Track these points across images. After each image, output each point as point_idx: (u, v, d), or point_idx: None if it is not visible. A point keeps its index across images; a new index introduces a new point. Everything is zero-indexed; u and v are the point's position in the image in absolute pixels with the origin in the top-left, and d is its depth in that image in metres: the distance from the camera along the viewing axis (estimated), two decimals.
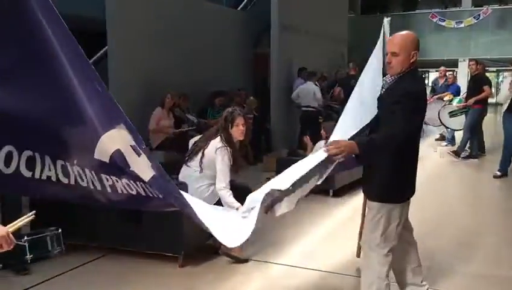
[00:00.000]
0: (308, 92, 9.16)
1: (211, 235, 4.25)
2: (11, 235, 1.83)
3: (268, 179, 7.10)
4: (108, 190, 2.28)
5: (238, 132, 4.04)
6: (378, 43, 3.33)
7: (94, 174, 2.24)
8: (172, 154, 6.33)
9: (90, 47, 8.20)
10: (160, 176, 2.26)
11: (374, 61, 3.28)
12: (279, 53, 9.50)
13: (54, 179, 2.21)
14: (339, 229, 5.14)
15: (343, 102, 9.52)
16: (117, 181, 2.26)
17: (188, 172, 4.12)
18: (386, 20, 3.36)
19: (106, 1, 6.98)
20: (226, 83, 9.14)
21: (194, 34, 8.62)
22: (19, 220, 1.95)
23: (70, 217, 4.20)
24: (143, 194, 2.29)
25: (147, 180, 2.23)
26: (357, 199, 6.36)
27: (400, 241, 2.97)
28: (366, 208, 3.08)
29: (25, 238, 3.76)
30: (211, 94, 8.30)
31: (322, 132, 6.62)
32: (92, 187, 2.27)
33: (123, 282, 3.77)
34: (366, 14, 19.47)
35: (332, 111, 9.66)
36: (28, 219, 1.96)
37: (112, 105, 2.15)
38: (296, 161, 6.24)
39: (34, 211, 1.97)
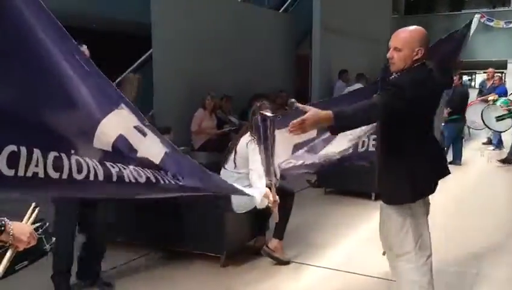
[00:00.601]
0: None
1: (253, 236, 4.33)
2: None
3: (309, 181, 7.16)
4: (114, 179, 2.04)
5: None
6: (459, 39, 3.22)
7: (97, 163, 2.01)
8: (214, 155, 6.42)
9: (136, 50, 8.46)
10: (173, 150, 2.14)
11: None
12: (320, 55, 9.46)
13: (41, 175, 1.89)
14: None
15: None
16: (124, 168, 2.06)
17: (227, 174, 4.12)
18: (476, 17, 3.22)
19: (151, 6, 7.15)
20: (267, 84, 9.17)
21: (236, 36, 8.70)
22: (28, 214, 1.93)
23: (115, 215, 4.34)
24: (153, 180, 2.11)
25: (158, 162, 2.09)
26: None
27: None
28: (385, 217, 2.89)
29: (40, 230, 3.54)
30: (252, 96, 8.35)
31: None
32: (91, 179, 2.00)
33: (166, 280, 3.86)
34: (410, 14, 19.08)
35: None
36: (36, 212, 1.95)
37: (107, 85, 1.93)
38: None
39: (34, 203, 1.97)
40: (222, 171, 4.20)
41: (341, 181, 6.52)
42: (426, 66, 2.66)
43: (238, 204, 3.97)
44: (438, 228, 4.84)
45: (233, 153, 4.09)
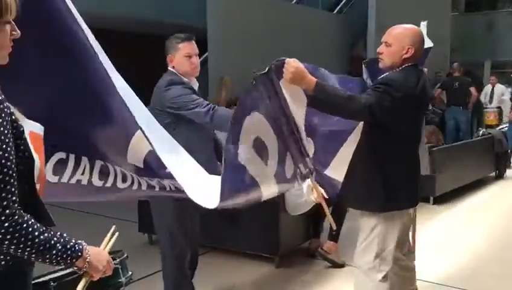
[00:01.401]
0: None
1: (307, 238, 4.31)
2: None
3: None
4: (156, 188, 2.07)
5: None
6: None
7: (136, 177, 2.03)
8: None
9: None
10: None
11: None
12: (375, 55, 9.25)
13: (84, 182, 1.93)
14: (439, 238, 4.91)
15: (447, 104, 9.10)
16: (161, 180, 2.06)
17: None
18: (423, 24, 3.11)
19: (207, 10, 7.29)
20: None
21: (291, 38, 8.70)
22: (107, 239, 1.69)
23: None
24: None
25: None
26: (461, 207, 6.04)
27: (394, 265, 2.65)
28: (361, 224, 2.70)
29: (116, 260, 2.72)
30: None
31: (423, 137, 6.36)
32: (135, 187, 2.03)
33: (222, 279, 3.91)
34: (471, 12, 18.35)
35: (433, 114, 9.23)
36: (115, 237, 1.72)
37: (128, 109, 1.87)
38: None
39: (114, 226, 1.76)
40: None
41: None
42: (419, 69, 2.55)
43: (293, 206, 3.97)
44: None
45: None
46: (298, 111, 2.43)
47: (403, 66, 2.49)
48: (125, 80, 1.97)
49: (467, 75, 10.83)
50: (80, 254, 1.37)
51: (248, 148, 2.17)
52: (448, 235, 4.97)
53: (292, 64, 2.30)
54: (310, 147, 2.57)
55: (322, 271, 4.04)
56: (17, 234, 1.23)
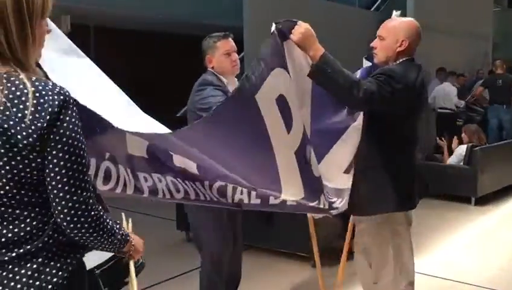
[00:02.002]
0: (444, 93, 8.66)
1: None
2: None
3: None
4: (145, 194, 2.10)
5: None
6: None
7: (129, 173, 2.05)
8: None
9: None
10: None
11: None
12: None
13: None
14: (481, 240, 4.77)
15: (490, 103, 8.83)
16: (160, 181, 2.05)
17: None
18: (395, 13, 2.88)
19: (244, 10, 7.33)
20: None
21: (326, 36, 8.61)
22: (125, 225, 1.78)
23: None
24: (191, 197, 2.09)
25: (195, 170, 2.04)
26: (504, 208, 5.86)
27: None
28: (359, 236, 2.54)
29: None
30: None
31: (463, 135, 6.20)
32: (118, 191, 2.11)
33: (257, 278, 3.91)
34: None
35: (474, 113, 8.99)
36: (130, 223, 1.82)
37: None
38: (432, 167, 5.95)
39: (123, 214, 1.85)
40: None
41: (437, 184, 6.22)
42: (417, 64, 2.44)
43: None
44: None
45: None
46: (301, 84, 2.30)
47: (400, 60, 2.38)
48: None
49: (510, 72, 10.53)
50: (128, 238, 1.44)
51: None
52: (490, 237, 4.83)
53: (304, 25, 2.22)
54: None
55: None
56: (98, 222, 1.28)
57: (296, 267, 4.05)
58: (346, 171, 2.55)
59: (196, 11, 8.45)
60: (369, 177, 2.37)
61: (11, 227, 1.21)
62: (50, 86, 1.20)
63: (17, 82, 1.18)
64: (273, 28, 2.22)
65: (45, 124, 1.16)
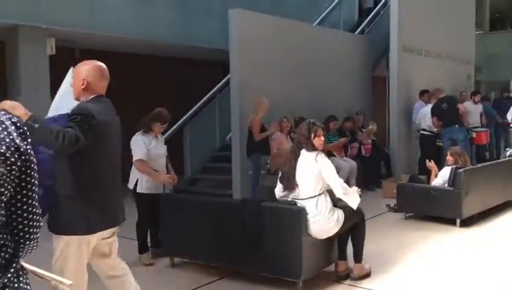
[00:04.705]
0: (426, 115, 8.78)
1: (330, 261, 4.24)
2: None
3: (389, 205, 6.94)
4: None
5: (319, 142, 4.02)
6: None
7: None
8: None
9: (216, 75, 8.75)
10: None
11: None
12: (398, 75, 9.22)
13: None
14: (467, 261, 4.75)
15: (443, 126, 8.91)
16: None
17: (311, 204, 3.96)
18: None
19: (230, 34, 7.38)
20: (344, 106, 9.07)
21: (312, 59, 8.72)
22: None
23: (193, 237, 4.43)
24: None
25: None
26: (489, 229, 5.88)
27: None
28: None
29: None
30: (326, 119, 8.30)
31: (448, 157, 6.25)
32: None
33: None
34: (495, 30, 18.14)
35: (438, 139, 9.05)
36: None
37: None
38: (417, 188, 6.02)
39: None
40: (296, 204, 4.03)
41: (423, 205, 6.24)
42: (105, 98, 2.82)
43: (320, 231, 3.94)
44: None
45: (294, 179, 3.99)
46: None
47: (90, 97, 2.76)
48: None
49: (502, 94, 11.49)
50: None
51: None
52: (475, 258, 4.82)
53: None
54: None
55: None
56: None
57: None
58: None
59: (182, 34, 8.48)
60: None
61: None
62: None
63: None
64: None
65: None
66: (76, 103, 2.79)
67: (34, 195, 1.28)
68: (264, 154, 6.89)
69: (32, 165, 1.27)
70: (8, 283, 1.19)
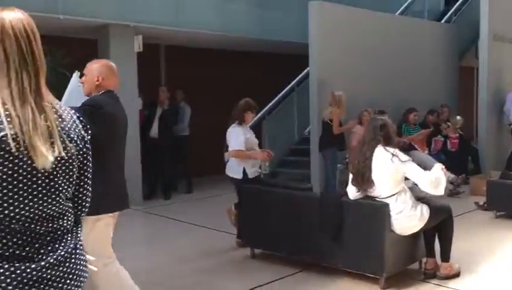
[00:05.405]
0: None
1: (415, 259, 4.10)
2: None
3: (477, 203, 6.58)
4: None
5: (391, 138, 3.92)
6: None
7: None
8: None
9: (295, 68, 8.74)
10: None
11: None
12: (488, 65, 8.68)
13: None
14: None
15: None
16: None
17: (397, 205, 3.83)
18: (75, 74, 3.43)
19: (309, 26, 7.33)
20: (428, 98, 8.71)
21: (395, 50, 8.45)
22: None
23: (275, 230, 4.47)
24: None
25: None
26: None
27: None
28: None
29: None
30: (406, 111, 8.01)
31: None
32: None
33: None
34: None
35: None
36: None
37: None
38: (509, 186, 5.61)
39: None
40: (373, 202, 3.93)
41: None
42: (113, 93, 3.05)
43: (402, 228, 3.83)
44: None
45: (370, 179, 3.84)
46: None
47: (101, 92, 3.02)
48: None
49: None
50: None
51: None
52: None
53: None
54: None
55: None
56: None
57: (364, 289, 3.91)
58: None
59: (260, 29, 8.55)
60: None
61: None
62: None
63: None
64: None
65: None
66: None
67: (90, 175, 1.55)
68: (339, 150, 6.78)
69: (90, 151, 1.52)
70: (77, 245, 1.46)
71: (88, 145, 1.50)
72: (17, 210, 1.31)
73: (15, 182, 1.29)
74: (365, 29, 8.04)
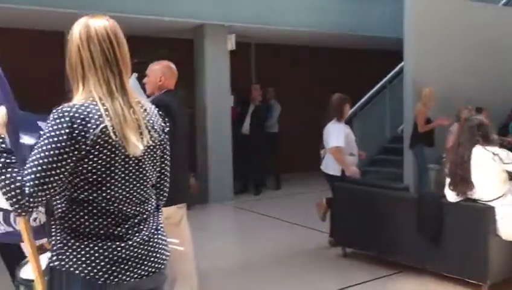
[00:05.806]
0: None
1: None
2: None
3: None
4: None
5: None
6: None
7: None
8: None
9: (387, 64, 8.50)
10: None
11: None
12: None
13: None
14: None
15: None
16: None
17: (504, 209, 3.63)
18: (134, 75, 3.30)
19: (405, 21, 7.09)
20: None
21: (497, 44, 7.92)
22: None
23: (368, 229, 4.38)
24: None
25: None
26: None
27: None
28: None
29: None
30: None
31: None
32: None
33: None
34: None
35: None
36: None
37: None
38: None
39: None
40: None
41: None
42: (173, 92, 3.21)
43: (509, 231, 3.57)
44: None
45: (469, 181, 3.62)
46: None
47: (163, 91, 3.17)
48: None
49: None
50: None
51: None
52: None
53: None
54: None
55: None
56: None
57: None
58: None
59: (355, 23, 8.40)
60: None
61: None
62: None
63: None
64: None
65: None
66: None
67: (169, 164, 1.70)
68: (427, 146, 6.52)
69: (168, 141, 1.68)
70: (159, 227, 1.61)
71: (167, 136, 1.66)
72: (112, 193, 1.48)
73: (112, 168, 1.46)
74: (464, 22, 7.61)
